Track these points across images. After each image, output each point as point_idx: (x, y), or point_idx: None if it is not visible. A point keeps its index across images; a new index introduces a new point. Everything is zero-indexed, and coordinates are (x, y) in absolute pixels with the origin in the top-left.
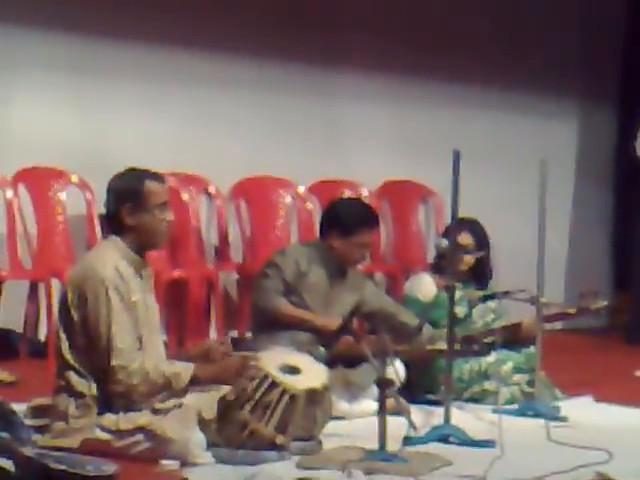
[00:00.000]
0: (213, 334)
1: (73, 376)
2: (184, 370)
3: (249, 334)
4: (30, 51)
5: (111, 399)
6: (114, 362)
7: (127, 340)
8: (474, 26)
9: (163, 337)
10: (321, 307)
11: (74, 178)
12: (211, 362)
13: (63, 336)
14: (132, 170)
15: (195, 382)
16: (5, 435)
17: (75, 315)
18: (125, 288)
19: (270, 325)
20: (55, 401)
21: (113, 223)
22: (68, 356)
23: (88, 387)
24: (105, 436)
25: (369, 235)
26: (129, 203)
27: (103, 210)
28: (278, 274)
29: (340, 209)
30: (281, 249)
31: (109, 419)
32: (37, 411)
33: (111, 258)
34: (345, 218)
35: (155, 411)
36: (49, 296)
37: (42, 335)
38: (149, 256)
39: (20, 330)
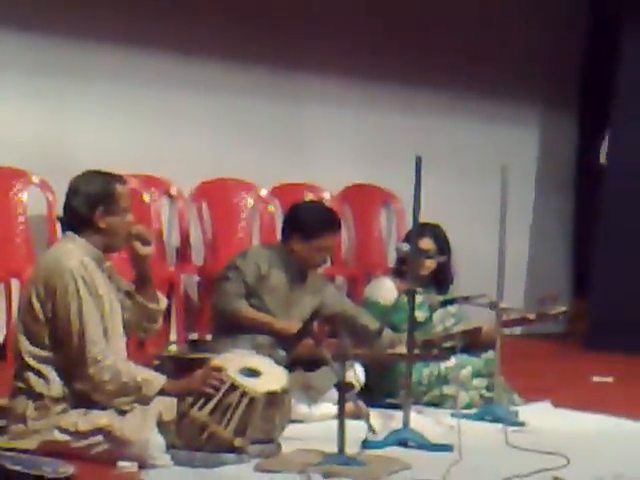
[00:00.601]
0: (173, 336)
1: (32, 377)
2: (155, 379)
3: (209, 336)
4: None
5: (78, 398)
6: (88, 354)
7: (99, 333)
8: (438, 32)
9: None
10: (282, 310)
11: (35, 178)
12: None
13: (23, 337)
14: (97, 172)
15: (163, 393)
16: None
17: (41, 312)
18: (91, 281)
19: (231, 328)
20: (13, 403)
21: (81, 224)
22: (27, 357)
23: (47, 388)
24: (63, 437)
25: (330, 239)
26: (102, 206)
27: (62, 210)
28: (239, 277)
29: (302, 213)
30: (242, 252)
31: (68, 420)
32: None
33: (74, 252)
34: (307, 222)
35: (119, 411)
36: (9, 297)
37: (1, 336)
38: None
39: None
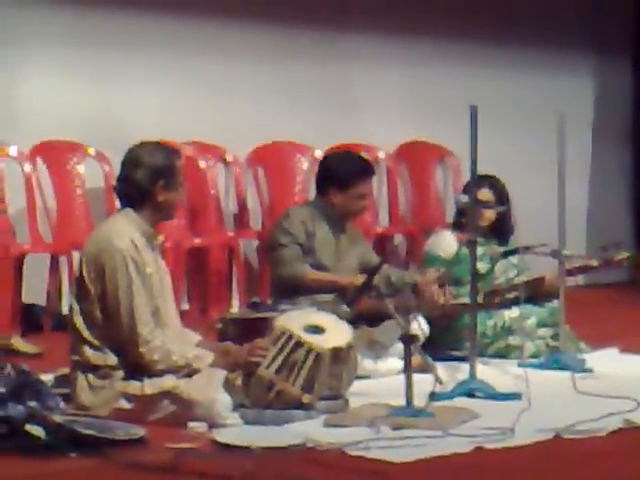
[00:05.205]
0: (235, 301)
1: (88, 350)
2: (205, 355)
3: (270, 301)
4: (45, 24)
5: (132, 369)
6: (139, 334)
7: (148, 313)
8: None
9: (185, 306)
10: (332, 262)
11: (91, 150)
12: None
13: (78, 309)
14: (157, 145)
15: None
16: (34, 404)
17: (92, 288)
18: (141, 261)
19: (292, 292)
20: (72, 377)
21: (140, 197)
22: (83, 330)
23: (104, 360)
24: (131, 405)
25: (366, 185)
26: (163, 180)
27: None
28: (292, 240)
29: (334, 164)
30: (284, 215)
31: (134, 386)
32: (63, 381)
33: (126, 230)
34: (340, 172)
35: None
36: (70, 269)
37: (65, 308)
38: (168, 226)
39: (43, 304)
